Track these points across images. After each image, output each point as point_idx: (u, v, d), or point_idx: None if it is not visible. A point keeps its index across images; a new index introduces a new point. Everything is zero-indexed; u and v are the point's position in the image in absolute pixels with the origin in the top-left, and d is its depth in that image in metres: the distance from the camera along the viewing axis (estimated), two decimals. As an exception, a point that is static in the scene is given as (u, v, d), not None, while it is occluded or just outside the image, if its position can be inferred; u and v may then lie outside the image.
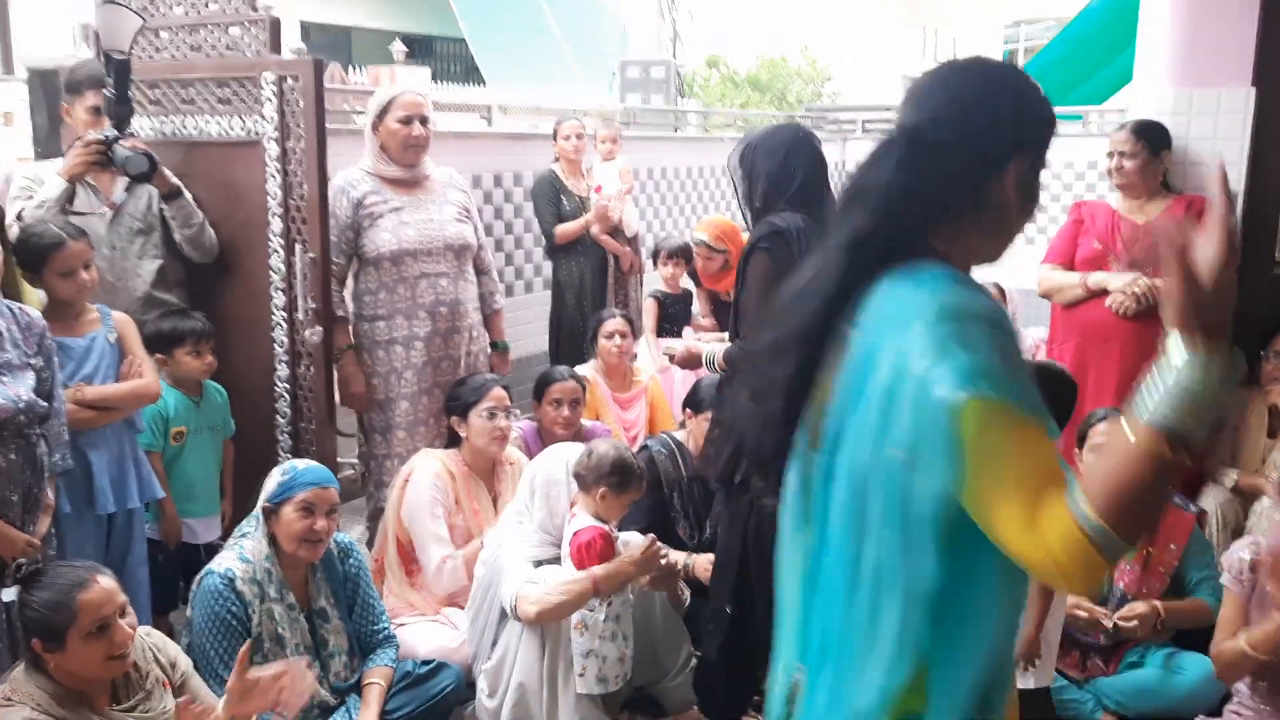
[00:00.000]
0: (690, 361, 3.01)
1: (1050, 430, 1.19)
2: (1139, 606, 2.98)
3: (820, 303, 1.35)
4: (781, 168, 2.73)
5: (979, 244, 1.36)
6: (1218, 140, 3.63)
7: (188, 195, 3.41)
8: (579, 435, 3.85)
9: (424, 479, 3.21)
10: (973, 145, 1.32)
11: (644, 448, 3.56)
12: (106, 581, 2.15)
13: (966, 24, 23.41)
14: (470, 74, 13.87)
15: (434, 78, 12.36)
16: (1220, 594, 2.93)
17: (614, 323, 4.43)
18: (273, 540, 2.65)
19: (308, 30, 14.18)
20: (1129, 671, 3.06)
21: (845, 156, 9.54)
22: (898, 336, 1.23)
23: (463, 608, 3.10)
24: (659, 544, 2.85)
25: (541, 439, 3.83)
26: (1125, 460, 1.12)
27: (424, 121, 3.52)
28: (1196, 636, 3.03)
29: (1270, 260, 3.63)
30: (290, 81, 3.30)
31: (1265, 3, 3.51)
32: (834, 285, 1.34)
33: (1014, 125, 1.34)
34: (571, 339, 5.22)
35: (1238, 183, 3.62)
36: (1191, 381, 1.11)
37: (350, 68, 10.92)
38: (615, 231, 5.29)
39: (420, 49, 15.28)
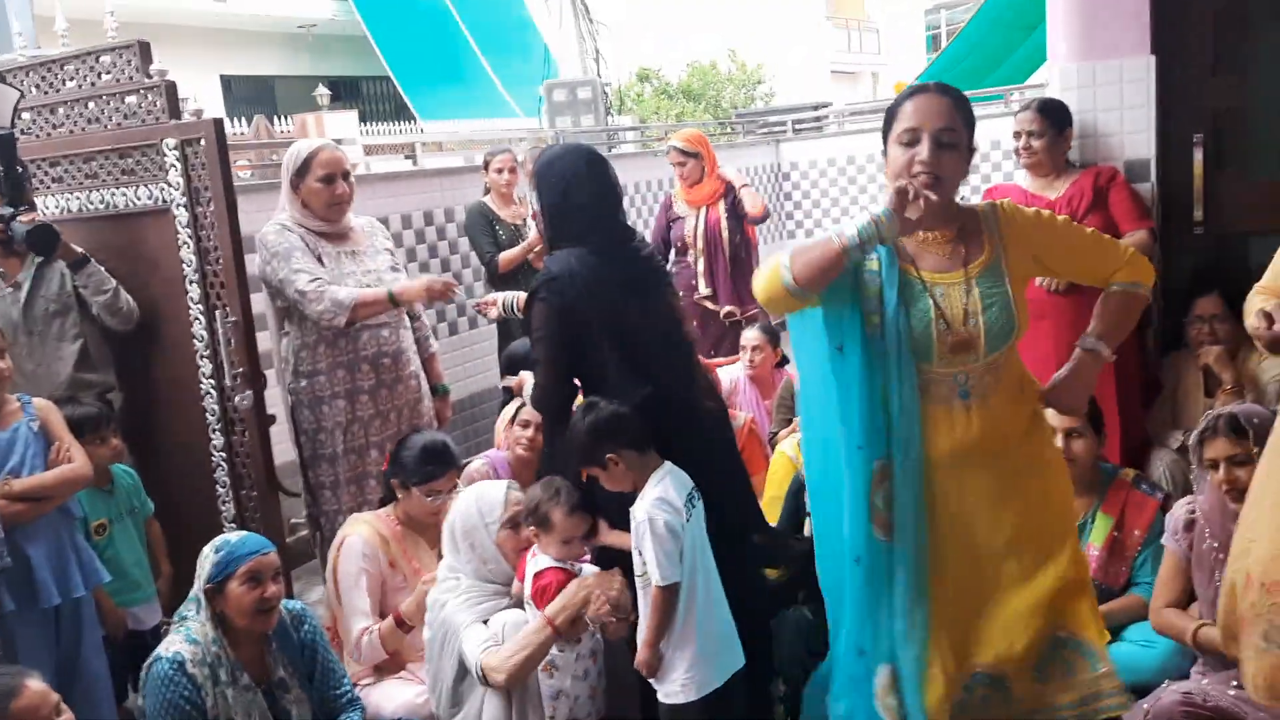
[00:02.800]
0: None
1: None
2: None
3: None
4: (563, 201, 2.74)
5: None
6: (1124, 110, 3.67)
7: (94, 262, 3.34)
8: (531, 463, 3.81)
9: (353, 547, 3.08)
10: None
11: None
12: (36, 684, 2.08)
13: (888, 15, 23.67)
14: (400, 111, 13.82)
15: (362, 119, 12.28)
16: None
17: None
18: (220, 620, 2.58)
19: (229, 83, 14.08)
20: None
21: (779, 159, 9.60)
22: None
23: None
24: (618, 576, 2.78)
25: (511, 467, 3.76)
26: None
27: (346, 177, 3.46)
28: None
29: (1189, 222, 3.66)
30: (193, 145, 3.25)
31: (1155, -28, 3.56)
32: None
33: None
34: (526, 368, 5.17)
35: (1148, 149, 3.66)
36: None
37: (275, 117, 10.84)
38: (555, 256, 5.26)
39: (346, 91, 15.22)
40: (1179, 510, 2.77)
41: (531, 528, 2.77)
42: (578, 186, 2.72)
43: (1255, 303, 2.24)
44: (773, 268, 2.15)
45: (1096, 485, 3.09)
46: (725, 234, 5.32)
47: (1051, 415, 3.08)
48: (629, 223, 2.92)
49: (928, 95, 2.13)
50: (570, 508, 2.73)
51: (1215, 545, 2.64)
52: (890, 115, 2.16)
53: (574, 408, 2.80)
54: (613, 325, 2.73)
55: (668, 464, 2.66)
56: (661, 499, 2.58)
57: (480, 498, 2.85)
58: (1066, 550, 2.26)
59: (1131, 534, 3.04)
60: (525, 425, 3.66)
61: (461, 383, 5.67)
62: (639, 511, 2.59)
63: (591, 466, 2.69)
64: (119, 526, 3.28)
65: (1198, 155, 3.59)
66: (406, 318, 3.67)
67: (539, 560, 2.79)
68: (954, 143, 2.09)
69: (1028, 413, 2.27)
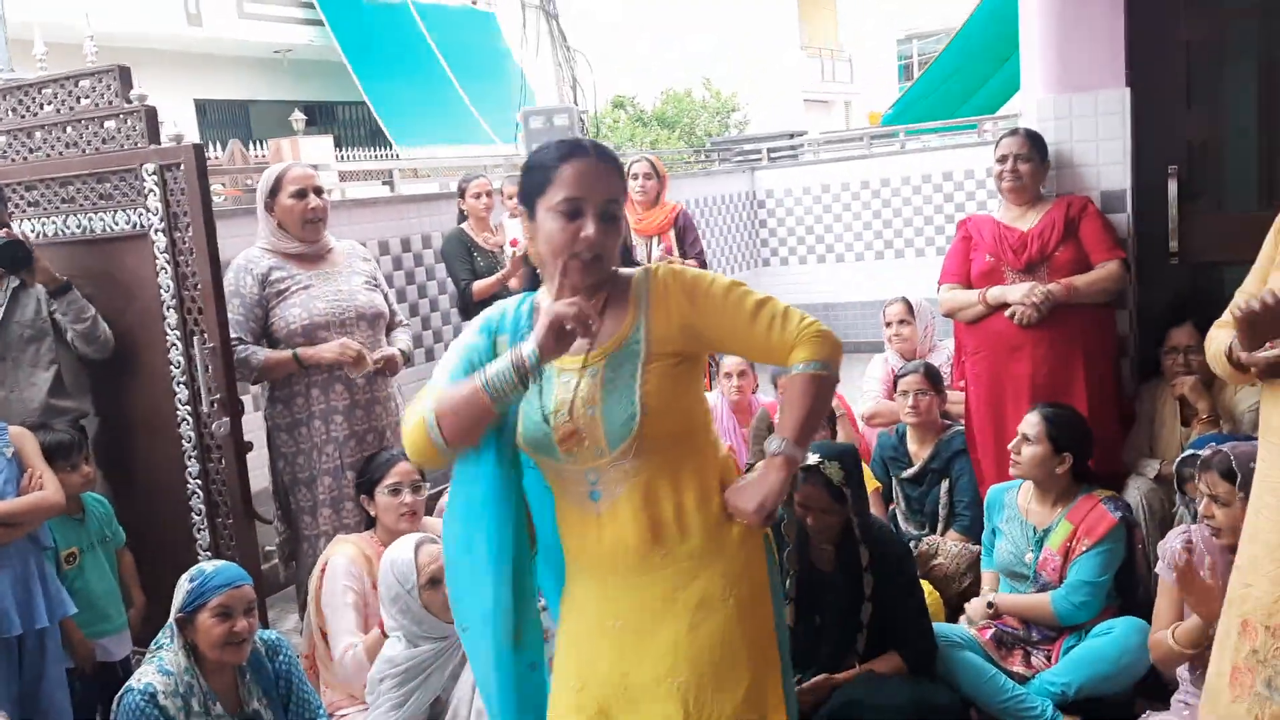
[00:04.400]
0: None
1: None
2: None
3: None
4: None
5: None
6: (1099, 142, 3.71)
7: (75, 290, 3.31)
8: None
9: (338, 567, 3.11)
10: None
11: None
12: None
13: (861, 44, 23.94)
14: (375, 137, 13.79)
15: (338, 144, 12.27)
16: (1079, 601, 3.10)
17: None
18: (191, 651, 2.54)
19: (203, 108, 14.01)
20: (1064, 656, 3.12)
21: (754, 186, 9.66)
22: None
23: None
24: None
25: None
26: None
27: (319, 192, 3.48)
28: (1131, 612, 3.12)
29: (1165, 253, 3.71)
30: (172, 170, 3.23)
31: (1130, 6, 3.61)
32: None
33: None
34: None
35: (1124, 181, 3.71)
36: None
37: (251, 142, 10.79)
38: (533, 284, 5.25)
39: (322, 116, 15.17)
40: (1173, 540, 2.78)
41: None
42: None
43: (1218, 336, 2.21)
44: (419, 423, 1.83)
45: (1068, 495, 3.21)
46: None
47: (1027, 423, 3.15)
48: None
49: (591, 161, 1.82)
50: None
51: (1205, 573, 2.66)
52: (541, 175, 1.84)
53: None
54: None
55: None
56: None
57: (394, 564, 2.82)
58: (743, 695, 1.85)
59: (1082, 541, 3.13)
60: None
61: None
62: None
63: None
64: (90, 556, 3.22)
65: (1173, 187, 3.64)
66: (383, 339, 3.64)
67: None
68: (617, 214, 1.85)
69: (695, 523, 1.89)
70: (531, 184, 1.85)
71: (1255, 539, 2.08)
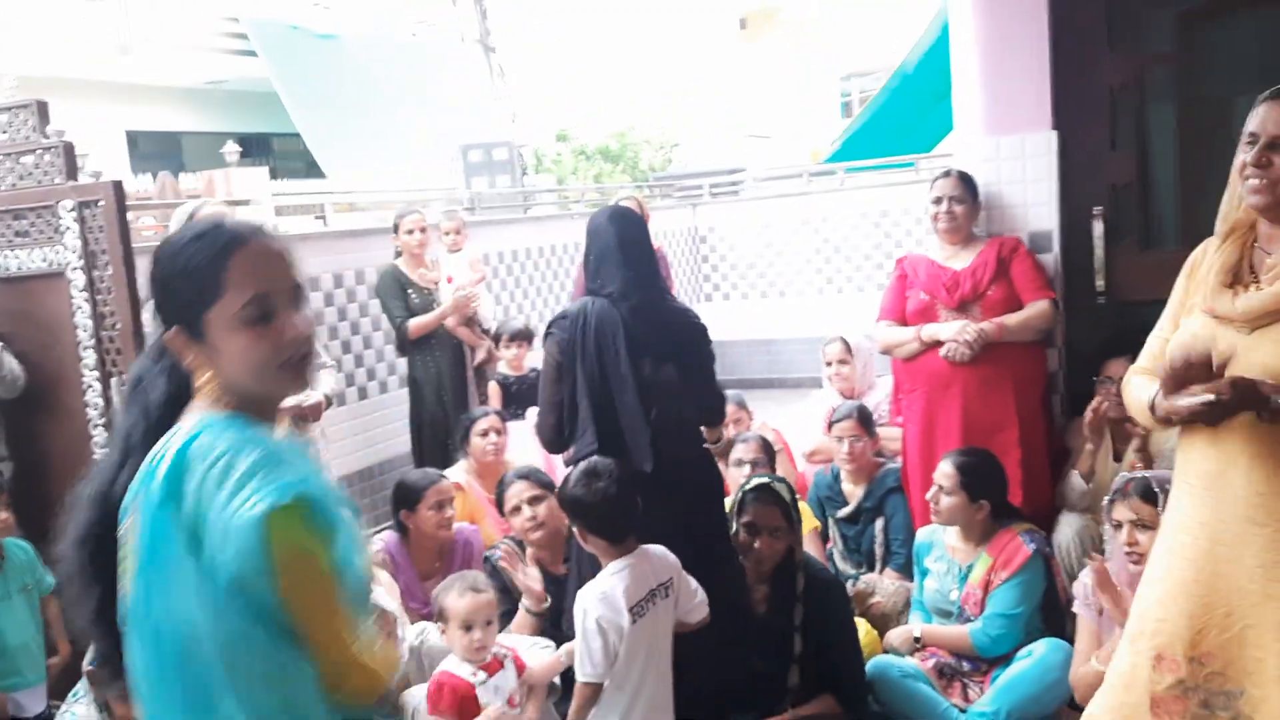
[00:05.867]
0: None
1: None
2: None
3: None
4: (587, 255, 3.01)
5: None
6: (1027, 183, 3.78)
7: None
8: (448, 540, 3.72)
9: None
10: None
11: (485, 559, 3.48)
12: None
13: (803, 81, 24.32)
14: (312, 169, 13.64)
15: (273, 176, 12.08)
16: (995, 634, 3.15)
17: (488, 420, 4.31)
18: (104, 707, 2.44)
19: (134, 139, 13.76)
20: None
21: (696, 222, 9.71)
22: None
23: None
24: None
25: (408, 549, 3.67)
26: None
27: None
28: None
29: (1092, 292, 3.77)
30: (91, 207, 3.14)
31: (1055, 52, 3.69)
32: None
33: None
34: (435, 437, 5.08)
35: (1051, 221, 3.77)
36: None
37: (183, 174, 10.60)
38: (470, 322, 5.21)
39: (257, 147, 14.97)
40: (1087, 576, 2.82)
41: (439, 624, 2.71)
42: (596, 242, 2.96)
43: (1138, 384, 2.19)
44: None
45: (989, 533, 3.26)
46: None
47: (941, 473, 3.17)
48: (599, 284, 2.96)
49: (262, 243, 1.45)
50: (464, 589, 2.67)
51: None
52: (200, 280, 1.41)
53: (574, 442, 2.88)
54: (597, 372, 2.83)
55: (637, 555, 2.61)
56: (605, 595, 2.53)
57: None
58: None
59: (1000, 574, 3.18)
60: (442, 507, 3.76)
61: (371, 449, 5.53)
62: (580, 598, 2.57)
63: (570, 521, 2.72)
64: (6, 605, 3.09)
65: (1098, 227, 3.71)
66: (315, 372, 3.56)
67: (448, 661, 2.71)
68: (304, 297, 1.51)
69: None
70: (189, 295, 1.41)
71: (1168, 577, 2.12)
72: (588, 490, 2.59)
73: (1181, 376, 1.94)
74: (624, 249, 2.92)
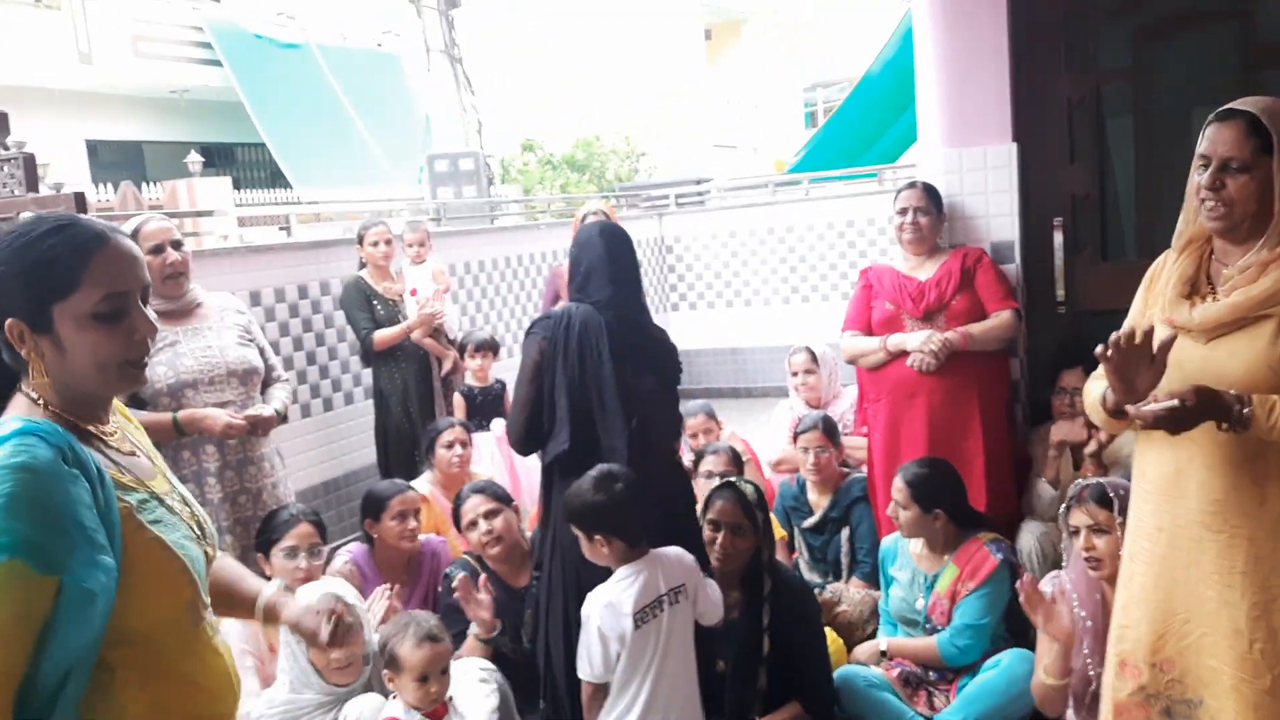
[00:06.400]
0: None
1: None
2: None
3: None
4: (575, 265, 3.05)
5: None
6: (989, 194, 3.83)
7: None
8: (415, 552, 3.70)
9: (231, 631, 2.99)
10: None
11: (446, 575, 3.47)
12: None
13: (767, 91, 24.46)
14: (276, 179, 13.55)
15: (237, 186, 12.01)
16: (963, 645, 3.18)
17: (453, 431, 4.29)
18: None
19: (95, 149, 13.61)
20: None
21: (662, 232, 9.74)
22: None
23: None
24: None
25: (376, 560, 3.64)
26: None
27: (177, 246, 3.32)
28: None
29: (1052, 301, 3.82)
30: (50, 219, 3.10)
31: (1014, 66, 3.75)
32: None
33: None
34: (400, 448, 5.05)
35: (1012, 232, 3.83)
36: None
37: (145, 184, 10.50)
38: (437, 333, 5.19)
39: (220, 157, 14.85)
40: (1045, 585, 2.85)
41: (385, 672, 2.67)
42: (586, 254, 3.00)
43: (1094, 388, 2.23)
44: None
45: (954, 541, 3.28)
46: None
47: (895, 488, 3.20)
48: (585, 293, 2.99)
49: (124, 243, 1.48)
50: (420, 638, 2.60)
51: (1083, 614, 2.72)
52: (57, 272, 1.42)
53: (548, 442, 2.87)
54: (578, 372, 2.84)
55: (647, 561, 2.61)
56: (610, 604, 2.54)
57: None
58: None
59: (967, 584, 3.20)
60: (404, 517, 3.68)
61: (335, 460, 5.49)
62: (587, 602, 2.58)
63: (580, 530, 2.65)
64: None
65: (1058, 238, 3.76)
66: (257, 396, 3.49)
67: (389, 706, 2.67)
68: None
69: None
70: (43, 286, 1.41)
71: (1131, 583, 2.16)
72: (608, 494, 2.57)
73: (1126, 354, 1.95)
74: (614, 262, 2.98)
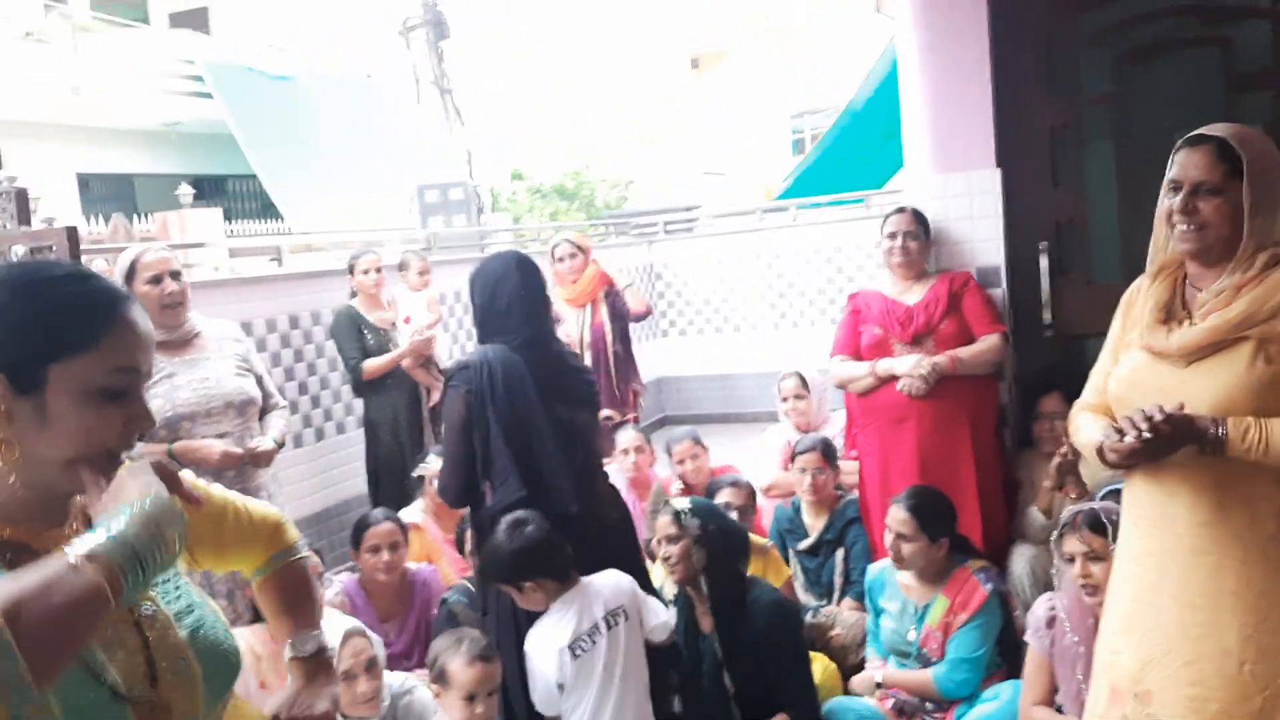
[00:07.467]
0: None
1: None
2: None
3: None
4: (491, 299, 2.91)
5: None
6: (974, 219, 3.87)
7: None
8: (405, 581, 3.69)
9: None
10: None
11: (443, 601, 3.46)
12: None
13: (752, 119, 24.63)
14: (267, 210, 13.58)
15: (228, 217, 12.03)
16: (960, 679, 3.16)
17: None
18: None
19: (86, 182, 13.62)
20: (954, 723, 3.16)
21: (651, 259, 9.77)
22: None
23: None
24: None
25: (365, 590, 3.65)
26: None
27: (175, 276, 3.34)
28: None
29: (1039, 325, 3.85)
30: (44, 254, 3.11)
31: (997, 92, 3.80)
32: None
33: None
34: (391, 478, 5.04)
35: (998, 256, 3.86)
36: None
37: (136, 216, 10.51)
38: (427, 363, 5.20)
39: (211, 189, 14.88)
40: (1039, 608, 2.86)
41: (433, 685, 2.64)
42: (504, 286, 2.89)
43: (1086, 425, 2.21)
44: None
45: (944, 571, 3.25)
46: (609, 337, 5.35)
47: (896, 520, 3.19)
48: (500, 330, 2.94)
49: (140, 316, 1.25)
50: (472, 656, 2.54)
51: (1076, 640, 2.72)
52: (69, 331, 1.18)
53: (493, 494, 2.80)
54: (511, 419, 2.78)
55: (577, 591, 2.61)
56: (546, 640, 2.56)
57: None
58: None
59: (959, 615, 3.19)
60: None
61: (327, 490, 5.48)
62: (528, 641, 2.60)
63: (508, 586, 2.64)
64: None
65: (1044, 262, 3.80)
66: (255, 426, 3.50)
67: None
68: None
69: None
70: (47, 337, 1.16)
71: (1119, 608, 2.15)
72: (524, 540, 2.58)
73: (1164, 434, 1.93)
74: (530, 299, 2.91)
